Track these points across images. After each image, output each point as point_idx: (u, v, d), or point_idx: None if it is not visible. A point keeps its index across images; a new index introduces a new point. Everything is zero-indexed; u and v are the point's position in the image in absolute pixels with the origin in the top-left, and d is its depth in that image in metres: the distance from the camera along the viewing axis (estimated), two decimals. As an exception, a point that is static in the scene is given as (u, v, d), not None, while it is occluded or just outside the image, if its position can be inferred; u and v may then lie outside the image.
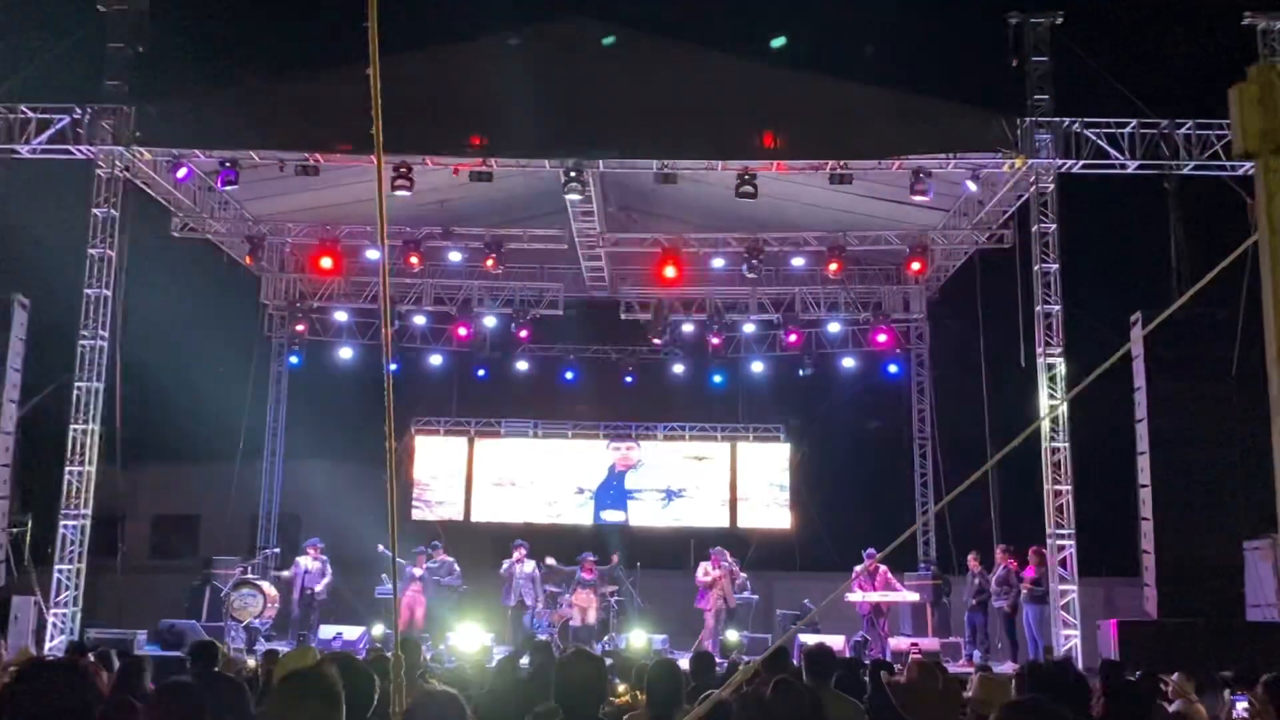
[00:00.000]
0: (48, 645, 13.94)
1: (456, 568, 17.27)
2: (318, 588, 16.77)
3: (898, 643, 15.40)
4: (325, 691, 2.79)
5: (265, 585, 16.31)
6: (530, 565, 17.06)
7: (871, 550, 16.21)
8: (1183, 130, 14.56)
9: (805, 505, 21.23)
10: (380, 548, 15.85)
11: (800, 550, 21.04)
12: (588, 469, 21.56)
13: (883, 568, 15.46)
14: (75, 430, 14.66)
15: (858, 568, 16.54)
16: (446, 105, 13.97)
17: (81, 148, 14.74)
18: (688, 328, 20.86)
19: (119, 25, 14.65)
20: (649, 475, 21.47)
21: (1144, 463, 15.37)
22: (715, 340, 20.75)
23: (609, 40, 13.85)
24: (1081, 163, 14.66)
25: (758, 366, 21.53)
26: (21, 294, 15.63)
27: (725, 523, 21.06)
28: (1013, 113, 14.63)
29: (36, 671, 2.84)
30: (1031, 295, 14.95)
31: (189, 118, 14.72)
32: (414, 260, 17.79)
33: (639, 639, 15.82)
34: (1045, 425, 14.03)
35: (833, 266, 17.54)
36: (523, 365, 21.66)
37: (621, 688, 7.07)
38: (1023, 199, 15.52)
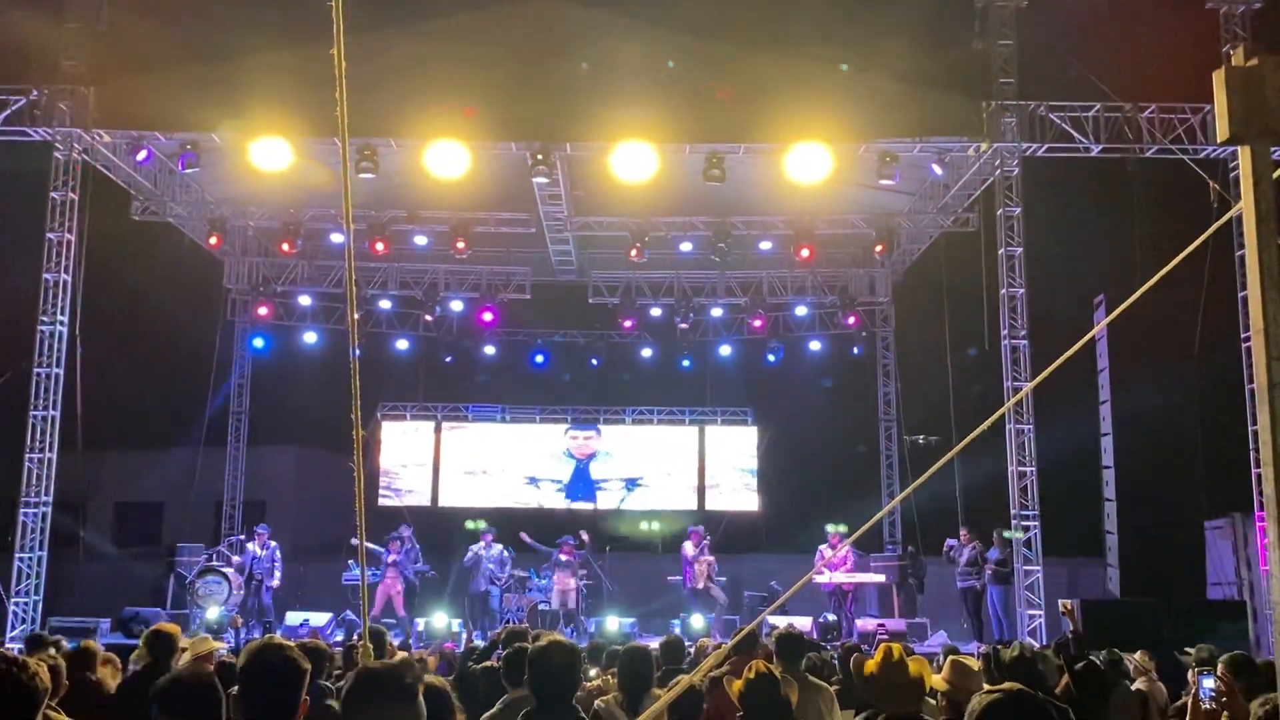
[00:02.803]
0: (8, 635, 13.77)
1: (418, 553, 17.20)
2: (273, 581, 16.56)
3: (864, 623, 15.50)
4: (404, 691, 2.75)
5: (230, 572, 16.17)
6: (498, 549, 17.02)
7: (834, 531, 16.29)
8: (1146, 114, 14.68)
9: (773, 488, 21.31)
10: (353, 541, 15.77)
11: (767, 532, 21.14)
12: (554, 455, 21.52)
13: (847, 548, 15.55)
14: (35, 417, 14.46)
15: (822, 546, 16.64)
16: (413, 86, 13.82)
17: (39, 130, 14.48)
18: (655, 311, 20.84)
19: (77, 4, 14.38)
20: (614, 464, 21.45)
21: (1107, 444, 15.56)
22: (683, 324, 20.76)
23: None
24: (1046, 146, 14.76)
25: (725, 350, 21.58)
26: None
27: (693, 505, 21.11)
28: (978, 96, 14.69)
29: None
30: (996, 278, 15.06)
31: (149, 99, 14.47)
32: (379, 247, 17.58)
33: (611, 624, 15.85)
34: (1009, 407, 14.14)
35: (804, 253, 17.54)
36: (490, 350, 21.57)
37: (593, 672, 7.07)
38: (988, 182, 15.60)
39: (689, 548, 17.00)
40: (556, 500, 21.24)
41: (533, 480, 21.26)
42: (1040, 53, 14.80)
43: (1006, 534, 14.83)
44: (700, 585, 16.70)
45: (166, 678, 3.83)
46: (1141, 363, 15.26)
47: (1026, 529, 14.34)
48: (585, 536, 17.59)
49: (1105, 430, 15.70)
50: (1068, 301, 16.32)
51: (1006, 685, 2.81)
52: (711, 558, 17.09)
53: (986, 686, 5.17)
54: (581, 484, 21.38)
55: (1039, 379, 3.80)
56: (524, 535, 17.51)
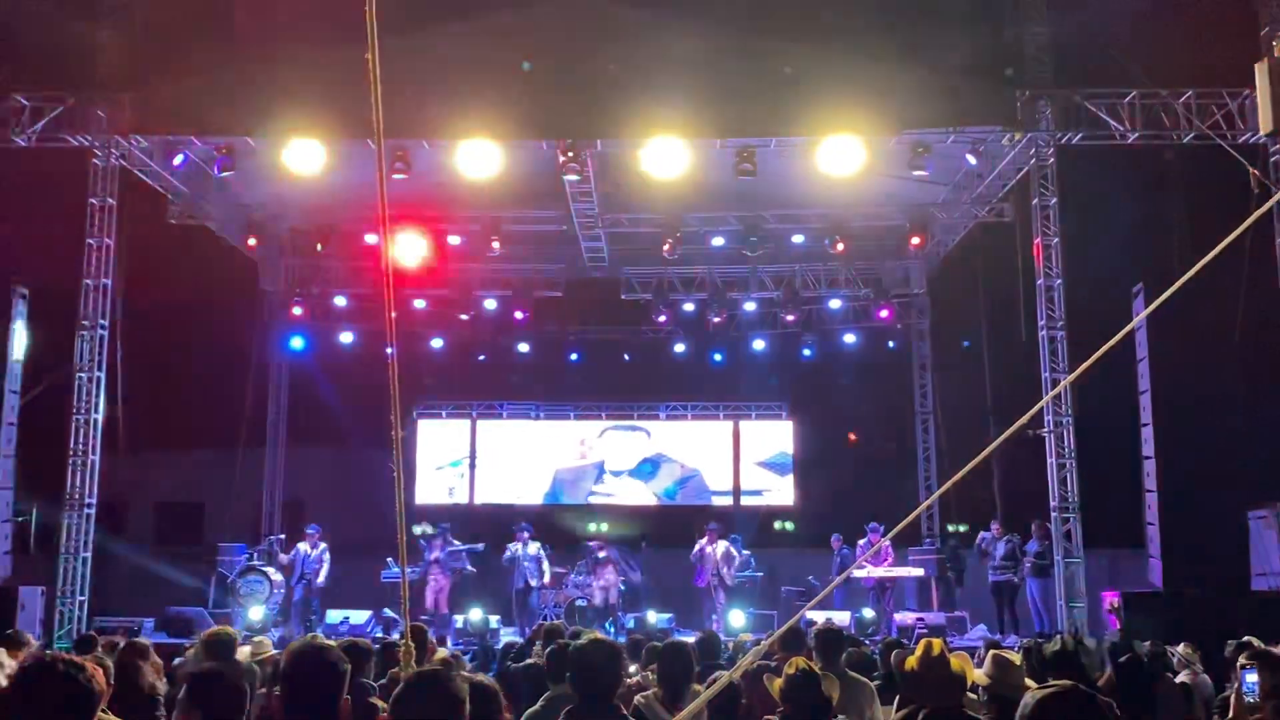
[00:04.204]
0: (56, 634, 13.98)
1: (461, 550, 17.32)
2: (319, 578, 16.72)
3: (903, 617, 15.43)
4: (450, 693, 2.78)
5: (271, 571, 16.32)
6: (535, 546, 17.09)
7: (875, 525, 16.23)
8: (1182, 100, 14.48)
9: (808, 481, 21.25)
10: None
11: (803, 526, 21.08)
12: (588, 450, 21.60)
13: (887, 543, 15.47)
14: (77, 420, 14.65)
15: (861, 542, 16.56)
16: (443, 87, 13.86)
17: (77, 136, 14.67)
18: (688, 307, 20.82)
19: (112, 12, 14.55)
20: (635, 457, 21.53)
21: (1147, 434, 15.37)
22: (716, 319, 20.73)
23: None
24: (1081, 134, 14.59)
25: (759, 344, 21.50)
26: (21, 285, 15.59)
27: (729, 500, 21.10)
28: (1012, 85, 14.55)
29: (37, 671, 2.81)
30: (1032, 268, 14.91)
31: (184, 104, 14.61)
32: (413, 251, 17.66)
33: (650, 619, 15.89)
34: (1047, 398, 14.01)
35: (839, 246, 17.44)
36: (523, 348, 21.63)
37: (633, 668, 7.07)
38: (1023, 172, 15.45)
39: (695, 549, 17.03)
40: (597, 496, 21.31)
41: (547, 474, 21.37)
42: (1074, 40, 14.63)
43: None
44: (713, 582, 16.67)
45: (196, 668, 3.88)
46: (1182, 351, 15.05)
47: (1066, 520, 14.20)
48: (597, 542, 17.72)
49: (1145, 420, 15.50)
50: (1105, 291, 16.12)
51: (1060, 681, 2.79)
52: (733, 551, 17.04)
53: (1029, 682, 5.14)
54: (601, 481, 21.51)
55: (1077, 373, 3.77)
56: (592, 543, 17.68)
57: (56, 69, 14.77)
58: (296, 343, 20.99)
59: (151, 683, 5.87)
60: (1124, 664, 4.96)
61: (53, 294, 15.79)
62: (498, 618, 16.09)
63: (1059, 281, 14.65)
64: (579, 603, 16.54)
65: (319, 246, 17.91)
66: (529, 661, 7.24)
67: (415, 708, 2.78)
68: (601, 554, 16.90)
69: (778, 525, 21.29)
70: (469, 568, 17.38)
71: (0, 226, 15.29)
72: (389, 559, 17.06)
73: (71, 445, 14.62)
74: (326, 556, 16.77)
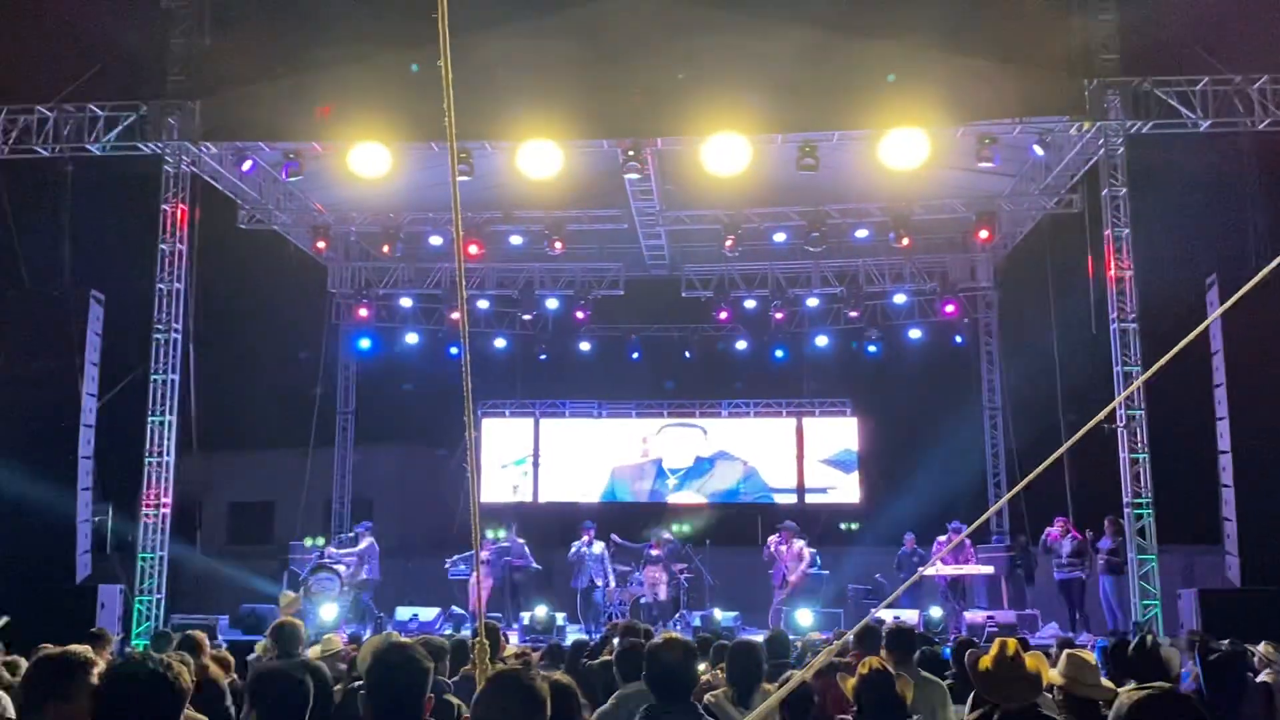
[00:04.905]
0: (134, 631, 14.32)
1: (526, 549, 17.44)
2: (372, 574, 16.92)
3: (973, 616, 15.24)
4: (532, 693, 2.81)
5: (341, 569, 16.56)
6: (599, 546, 17.17)
7: (958, 524, 16.06)
8: (1256, 85, 14.12)
9: (874, 479, 21.07)
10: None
11: (869, 524, 20.90)
12: (649, 449, 21.63)
13: (967, 541, 15.32)
14: (153, 421, 14.99)
15: (941, 539, 16.38)
16: (504, 88, 13.95)
17: (149, 144, 15.00)
18: (750, 304, 20.74)
19: (182, 23, 14.86)
20: (693, 455, 21.50)
21: (1223, 428, 15.00)
22: (778, 315, 20.63)
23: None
24: (1151, 123, 14.28)
25: (822, 340, 21.35)
26: (96, 290, 15.99)
27: (793, 498, 20.99)
28: (1079, 74, 14.28)
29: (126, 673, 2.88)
30: (1103, 260, 14.64)
31: (252, 111, 14.88)
32: (473, 250, 17.82)
33: (717, 617, 15.89)
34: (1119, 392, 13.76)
35: (903, 241, 17.26)
36: (585, 346, 21.72)
37: (701, 666, 7.07)
38: (1091, 162, 15.17)
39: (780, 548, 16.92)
40: (661, 494, 21.35)
41: (661, 473, 21.41)
42: (1143, 26, 14.31)
43: None
44: (791, 578, 16.60)
45: (259, 667, 3.95)
46: (1258, 343, 14.65)
47: (1139, 517, 13.93)
48: (667, 535, 17.70)
49: (1221, 415, 15.12)
50: (1178, 282, 15.76)
51: (1155, 683, 2.75)
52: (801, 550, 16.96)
53: (1106, 682, 5.05)
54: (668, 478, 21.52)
55: (1155, 367, 3.70)
56: (614, 536, 17.64)
57: (129, 79, 15.12)
58: (364, 344, 21.32)
59: (214, 676, 6.00)
60: (1214, 663, 4.84)
61: (128, 299, 16.16)
62: (564, 615, 16.18)
63: (1130, 273, 14.36)
64: (643, 600, 16.58)
65: (385, 248, 18.14)
66: (604, 659, 7.27)
67: (498, 708, 2.79)
68: (654, 552, 16.94)
69: (843, 526, 21.11)
70: (534, 565, 17.50)
71: (78, 233, 15.71)
72: (454, 556, 17.25)
73: (147, 446, 14.95)
74: (366, 556, 16.86)
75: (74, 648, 3.62)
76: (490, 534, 17.64)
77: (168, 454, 15.00)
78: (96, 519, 16.37)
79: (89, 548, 15.66)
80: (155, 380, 15.03)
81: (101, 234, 16.17)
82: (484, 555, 16.61)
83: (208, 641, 7.12)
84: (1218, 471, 15.21)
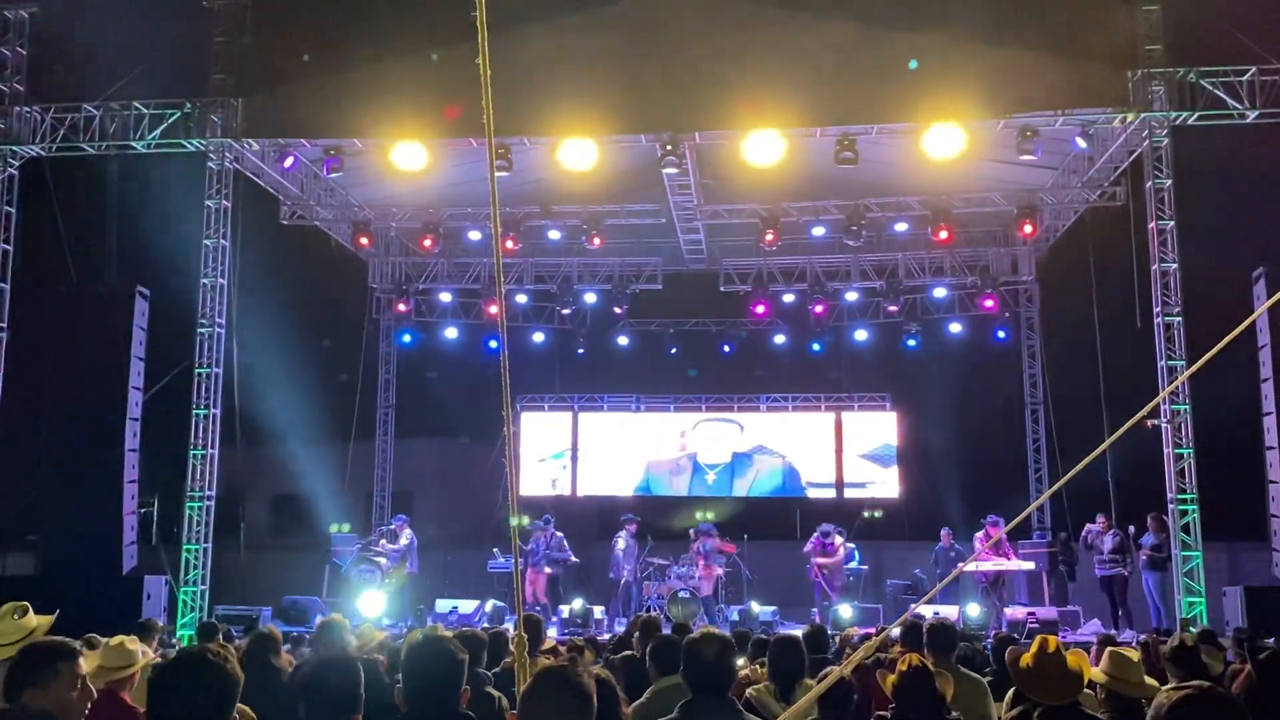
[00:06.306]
0: (179, 621, 14.54)
1: (566, 543, 17.49)
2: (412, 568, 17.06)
3: (1014, 612, 15.11)
4: (579, 690, 2.82)
5: (382, 561, 16.71)
6: (623, 540, 17.17)
7: (996, 518, 15.93)
8: (1306, 75, 13.88)
9: (913, 473, 20.95)
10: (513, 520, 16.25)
11: (909, 519, 20.78)
12: (686, 443, 21.62)
13: (1004, 536, 15.21)
14: (197, 414, 15.19)
15: (978, 534, 16.26)
16: (542, 83, 13.98)
17: (193, 141, 15.20)
18: (788, 298, 20.66)
19: (224, 22, 15.03)
20: (728, 450, 21.48)
21: (1270, 424, 14.79)
22: (818, 309, 20.53)
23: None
24: (1197, 114, 14.07)
25: (861, 335, 21.22)
26: (142, 285, 16.23)
27: (832, 493, 20.91)
28: (1123, 65, 14.09)
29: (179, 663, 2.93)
30: (1147, 253, 14.45)
31: (293, 108, 15.03)
32: (509, 244, 17.86)
33: (754, 611, 15.88)
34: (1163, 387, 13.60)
35: (942, 235, 17.09)
36: (623, 340, 21.73)
37: (740, 661, 7.08)
38: (1135, 154, 14.97)
39: (828, 545, 16.88)
40: (698, 488, 21.34)
41: (698, 469, 21.42)
42: (1189, 16, 14.09)
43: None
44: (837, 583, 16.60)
45: (306, 667, 3.98)
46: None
47: (1184, 513, 13.76)
48: (709, 534, 17.68)
49: (1268, 410, 14.91)
50: (1224, 275, 15.55)
51: (1195, 682, 2.72)
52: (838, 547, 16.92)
53: (1149, 680, 5.00)
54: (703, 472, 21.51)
55: (1201, 362, 3.65)
56: (648, 558, 17.66)
57: (173, 78, 15.32)
58: (405, 338, 21.49)
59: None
60: (1265, 661, 4.77)
61: (172, 294, 16.39)
62: (601, 608, 16.22)
63: (1175, 266, 14.18)
64: (681, 594, 16.58)
65: (427, 242, 18.27)
66: (627, 653, 7.29)
67: (544, 705, 2.79)
68: (695, 545, 16.95)
69: (866, 514, 20.92)
70: (573, 558, 17.55)
71: (123, 230, 15.95)
72: (495, 549, 17.35)
73: (192, 439, 15.16)
74: (405, 548, 16.98)
75: (63, 639, 3.70)
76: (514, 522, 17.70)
77: (211, 447, 15.20)
78: (142, 511, 16.63)
79: (135, 539, 15.92)
80: (199, 374, 15.23)
81: (146, 231, 16.40)
82: (531, 548, 16.73)
83: (280, 635, 7.16)
84: (1264, 467, 15.01)
